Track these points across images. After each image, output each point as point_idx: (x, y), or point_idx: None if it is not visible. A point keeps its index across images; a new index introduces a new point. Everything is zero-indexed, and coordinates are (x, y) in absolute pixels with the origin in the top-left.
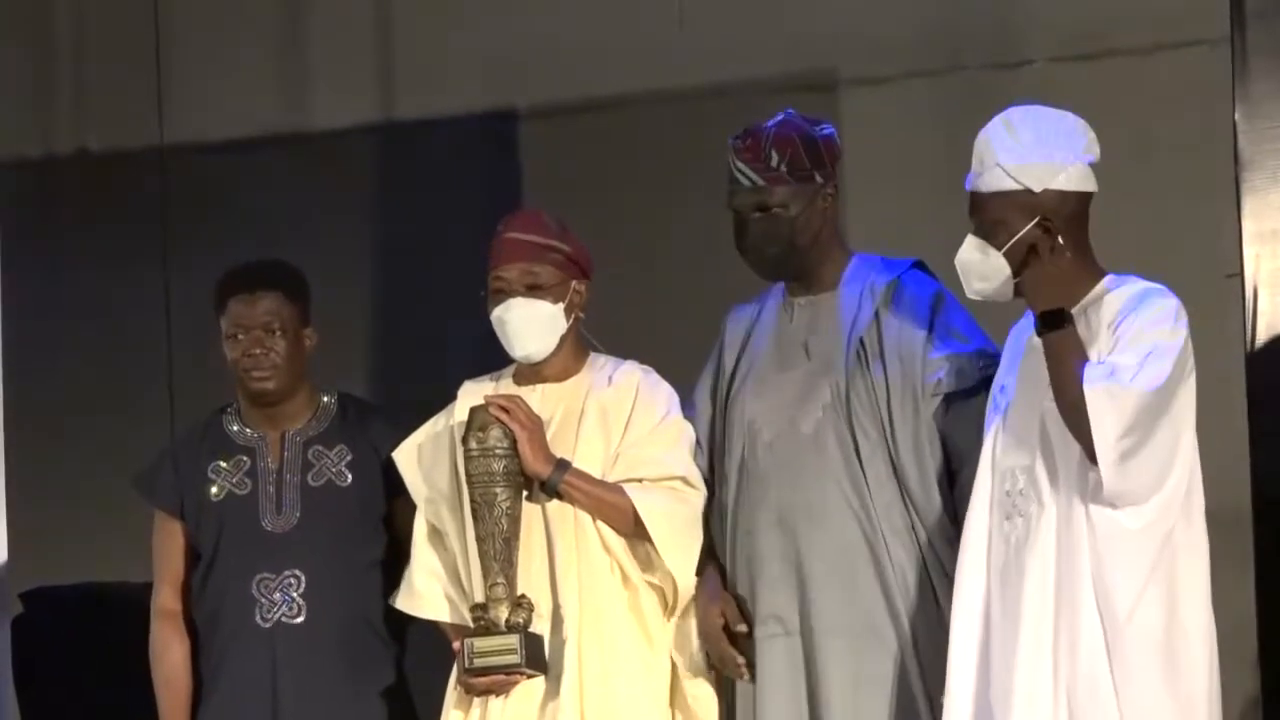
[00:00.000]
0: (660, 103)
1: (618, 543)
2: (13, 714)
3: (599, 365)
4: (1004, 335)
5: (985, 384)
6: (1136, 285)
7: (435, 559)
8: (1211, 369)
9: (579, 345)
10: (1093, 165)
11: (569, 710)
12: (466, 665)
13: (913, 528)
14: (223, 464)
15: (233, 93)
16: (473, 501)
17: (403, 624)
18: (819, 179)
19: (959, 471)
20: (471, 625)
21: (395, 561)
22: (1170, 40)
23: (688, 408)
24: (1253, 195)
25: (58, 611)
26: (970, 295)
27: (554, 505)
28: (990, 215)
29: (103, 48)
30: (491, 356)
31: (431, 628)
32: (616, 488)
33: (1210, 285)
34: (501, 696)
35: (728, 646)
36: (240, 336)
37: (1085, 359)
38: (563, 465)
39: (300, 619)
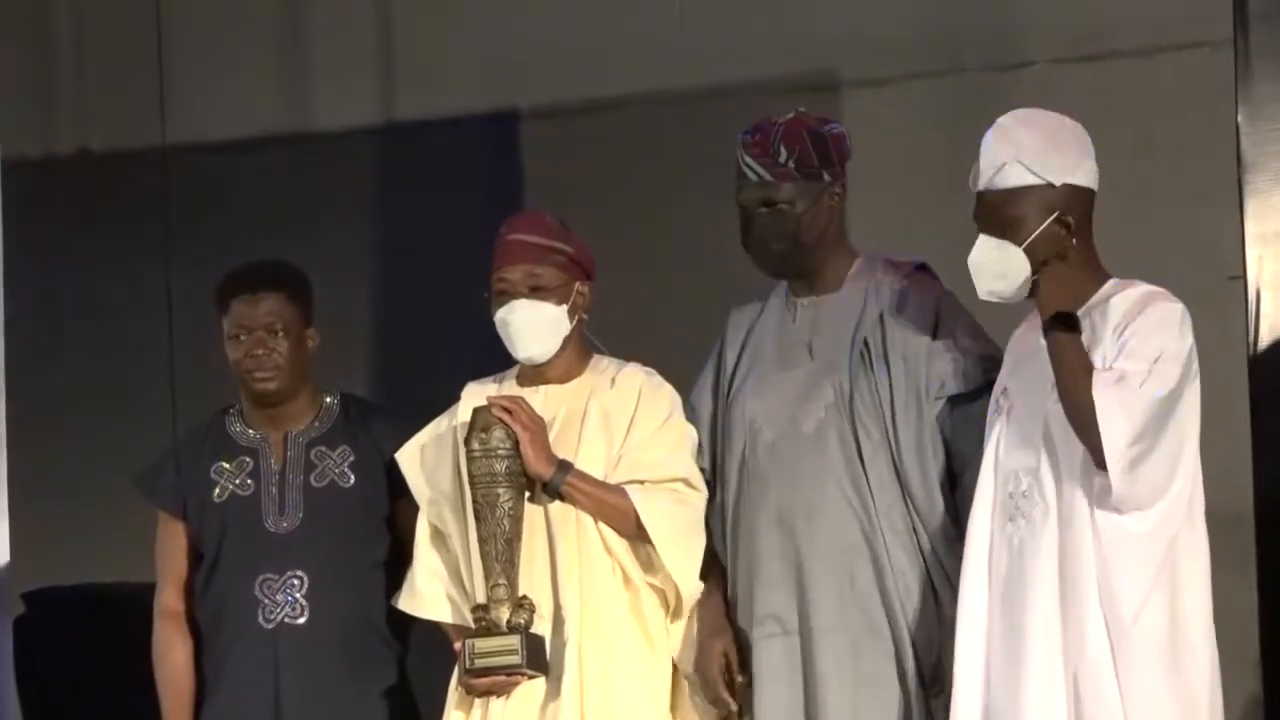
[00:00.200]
0: (661, 103)
1: (619, 544)
2: (14, 714)
3: (602, 367)
4: (1006, 339)
5: (988, 387)
6: (1141, 289)
7: (437, 560)
8: (1214, 371)
9: (582, 346)
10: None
11: (569, 711)
12: (468, 666)
13: (914, 529)
14: (225, 465)
15: (234, 93)
16: (475, 502)
17: (405, 625)
18: (827, 177)
19: (961, 474)
20: (473, 626)
21: (398, 562)
22: (1173, 42)
23: (689, 409)
24: (1255, 197)
25: (59, 612)
26: (983, 296)
27: (556, 506)
28: (1009, 211)
29: (104, 48)
30: (493, 357)
31: (434, 628)
32: (618, 489)
33: (1213, 288)
34: (502, 697)
35: (724, 691)
36: (243, 337)
37: (1091, 364)
38: (565, 466)
39: (303, 619)
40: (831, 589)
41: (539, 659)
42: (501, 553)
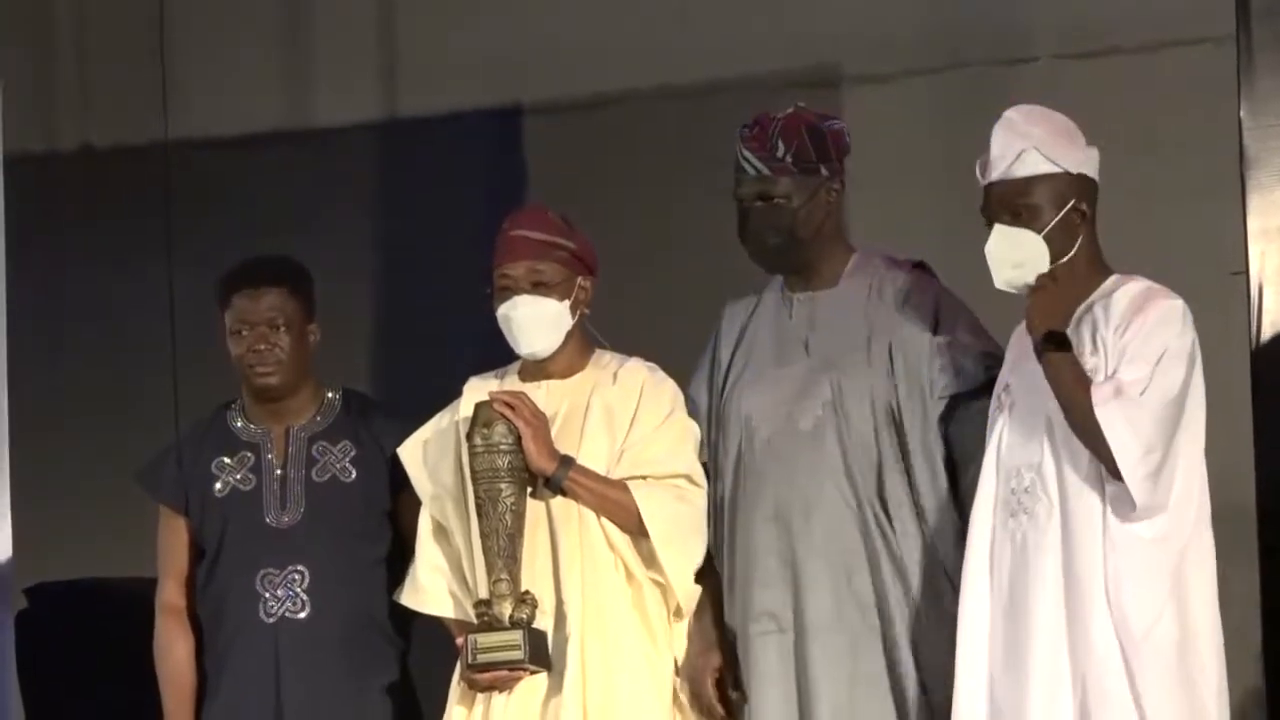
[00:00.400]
0: (662, 99)
1: (622, 539)
2: (16, 710)
3: (604, 362)
4: (1006, 335)
5: (989, 385)
6: (1141, 285)
7: (440, 555)
8: (1216, 367)
9: (584, 342)
10: None
11: (571, 706)
12: (470, 661)
13: (919, 528)
14: (227, 460)
15: (236, 89)
16: (477, 497)
17: (407, 620)
18: (824, 172)
19: (963, 472)
20: (475, 621)
21: (400, 557)
22: (1175, 37)
23: (690, 404)
24: (1258, 192)
25: (61, 607)
26: (1000, 285)
27: (558, 502)
28: (1027, 199)
29: (106, 44)
30: (495, 352)
31: (436, 623)
32: (620, 485)
33: (1215, 283)
34: (504, 692)
35: (717, 705)
36: (244, 332)
37: (1088, 380)
38: (567, 462)
39: (304, 614)
40: (827, 587)
41: (541, 654)
42: (504, 548)
